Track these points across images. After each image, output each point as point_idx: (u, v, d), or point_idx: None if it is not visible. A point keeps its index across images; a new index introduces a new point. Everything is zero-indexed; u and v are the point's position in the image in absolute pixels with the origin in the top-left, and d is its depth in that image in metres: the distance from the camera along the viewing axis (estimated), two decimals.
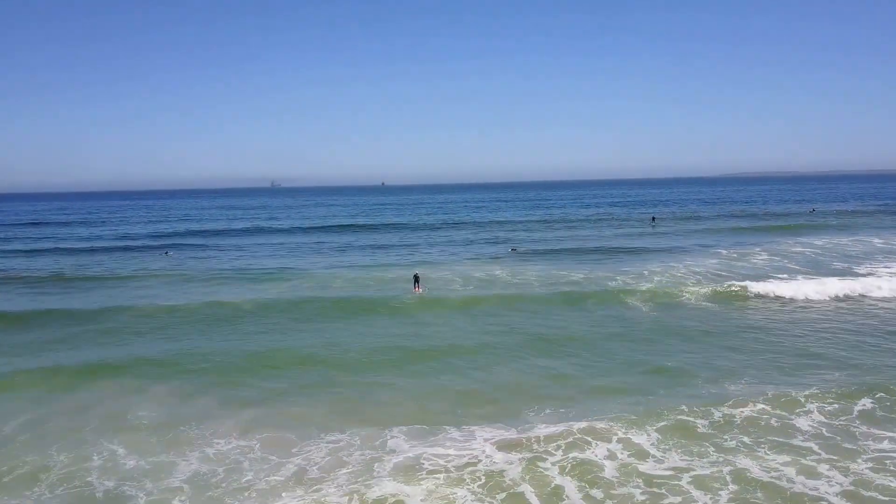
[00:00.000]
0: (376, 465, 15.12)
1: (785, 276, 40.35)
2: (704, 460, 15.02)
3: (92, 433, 17.48)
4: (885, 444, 15.67)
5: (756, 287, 35.57)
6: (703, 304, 33.01)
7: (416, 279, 37.12)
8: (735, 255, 50.75)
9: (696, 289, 35.58)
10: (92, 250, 62.49)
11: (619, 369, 22.20)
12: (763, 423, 17.04)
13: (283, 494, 13.85)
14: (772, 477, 14.11)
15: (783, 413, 17.56)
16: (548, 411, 18.57)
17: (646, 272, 43.26)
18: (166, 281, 41.69)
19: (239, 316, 30.85)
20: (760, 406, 18.03)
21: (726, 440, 16.07)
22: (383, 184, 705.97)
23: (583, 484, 14.05)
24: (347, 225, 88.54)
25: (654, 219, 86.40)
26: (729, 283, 36.90)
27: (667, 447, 15.72)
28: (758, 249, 54.04)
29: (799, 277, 39.64)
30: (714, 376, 21.17)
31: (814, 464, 14.69)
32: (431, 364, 23.04)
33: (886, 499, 13.16)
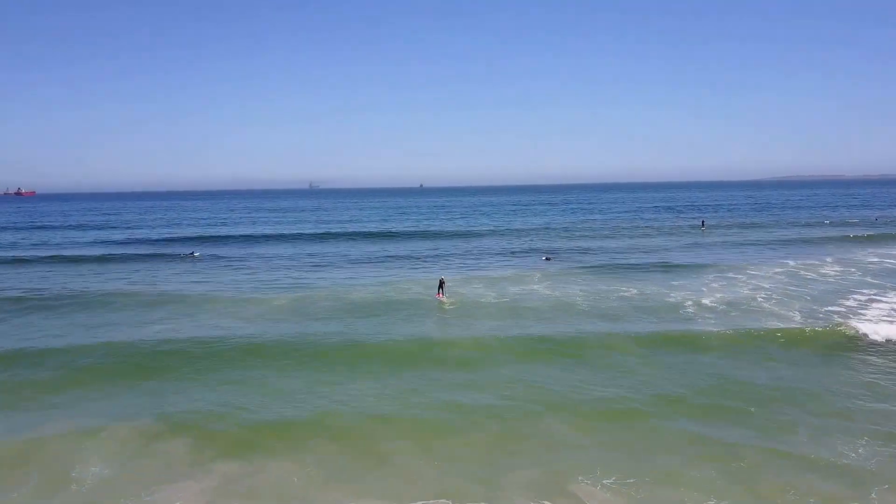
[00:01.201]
0: None
1: (874, 292, 35.39)
2: None
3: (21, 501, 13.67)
4: None
5: (867, 327, 27.49)
6: (797, 346, 25.69)
7: (441, 284, 36.04)
8: (803, 267, 45.72)
9: (778, 321, 30.31)
10: (100, 258, 58.18)
11: (711, 449, 16.23)
12: None
13: None
14: None
15: None
16: (609, 480, 14.25)
17: (704, 288, 38.64)
18: (170, 301, 36.23)
19: (231, 348, 25.75)
20: None
21: None
22: (422, 185, 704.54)
23: None
24: (376, 232, 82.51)
25: (703, 223, 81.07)
26: (829, 319, 29.94)
27: None
28: (829, 260, 48.94)
29: (890, 294, 34.65)
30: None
31: None
32: (454, 418, 18.51)
33: None
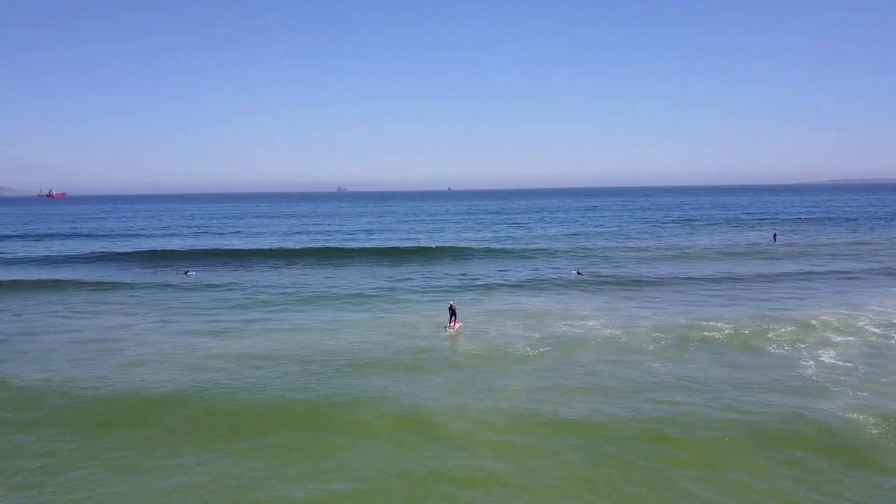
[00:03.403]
0: None
1: None
2: None
3: None
4: None
5: None
6: None
7: (453, 312, 30.58)
8: None
9: None
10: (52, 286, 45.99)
11: None
12: None
13: None
14: None
15: None
16: None
17: (815, 321, 29.85)
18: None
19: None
20: None
21: None
22: (450, 189, 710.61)
23: None
24: (391, 249, 66.28)
25: (775, 237, 70.51)
26: None
27: None
28: None
29: None
30: None
31: None
32: None
33: None
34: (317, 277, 48.70)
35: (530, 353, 25.54)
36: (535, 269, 51.30)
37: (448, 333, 29.57)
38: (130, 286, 44.55)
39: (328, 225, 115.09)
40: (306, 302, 38.29)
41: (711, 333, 27.89)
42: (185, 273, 51.26)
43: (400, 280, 46.76)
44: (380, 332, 29.40)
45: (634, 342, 26.93)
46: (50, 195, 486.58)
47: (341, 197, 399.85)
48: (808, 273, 46.51)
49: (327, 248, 68.34)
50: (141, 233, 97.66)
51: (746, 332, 28.27)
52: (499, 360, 24.72)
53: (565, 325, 30.50)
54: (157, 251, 65.53)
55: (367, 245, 72.03)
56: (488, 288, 42.82)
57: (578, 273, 47.53)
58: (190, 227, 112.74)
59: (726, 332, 28.19)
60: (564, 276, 47.55)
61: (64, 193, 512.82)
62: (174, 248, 69.65)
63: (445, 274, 49.18)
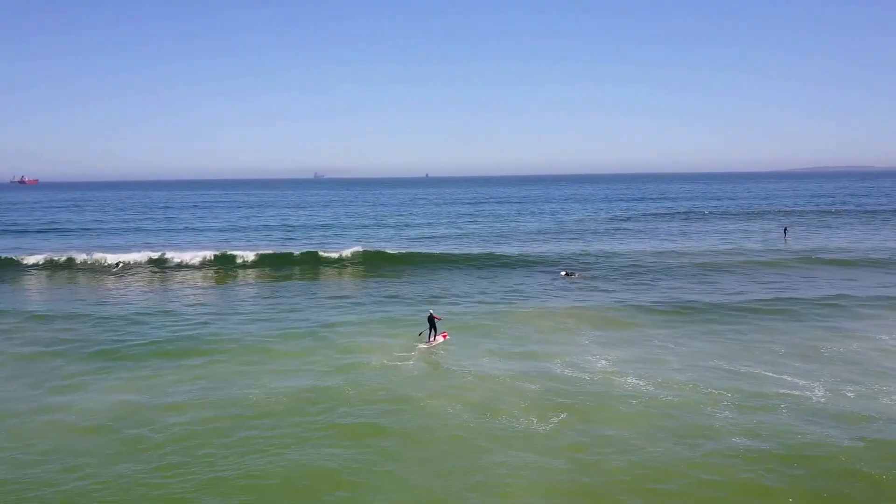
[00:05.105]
0: None
1: None
2: None
3: None
4: None
5: None
6: None
7: (432, 324, 25.07)
8: None
9: None
10: None
11: None
12: None
13: None
14: None
15: None
16: None
17: None
18: None
19: None
20: None
21: None
22: (427, 175, 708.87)
23: None
24: (335, 258, 49.16)
25: (786, 232, 61.93)
26: None
27: None
28: None
29: None
30: None
31: None
32: None
33: None
34: (233, 293, 39.21)
35: (531, 431, 16.57)
36: (515, 276, 42.18)
37: (422, 348, 24.25)
38: None
39: (284, 217, 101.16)
40: (201, 340, 27.03)
41: (806, 393, 18.88)
42: (116, 266, 47.33)
43: (338, 304, 34.33)
44: (281, 409, 19.19)
45: (679, 415, 17.83)
46: (22, 181, 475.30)
47: (315, 184, 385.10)
48: (844, 295, 35.07)
49: (265, 254, 50.88)
50: (70, 226, 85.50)
51: (824, 380, 19.48)
52: (489, 448, 15.60)
53: (566, 367, 22.00)
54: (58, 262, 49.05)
55: (308, 248, 54.61)
56: (461, 307, 33.05)
57: (568, 274, 40.81)
58: (130, 220, 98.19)
59: (821, 395, 19.12)
60: (551, 281, 39.35)
61: (36, 180, 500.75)
62: (99, 246, 58.46)
63: (405, 292, 37.48)
